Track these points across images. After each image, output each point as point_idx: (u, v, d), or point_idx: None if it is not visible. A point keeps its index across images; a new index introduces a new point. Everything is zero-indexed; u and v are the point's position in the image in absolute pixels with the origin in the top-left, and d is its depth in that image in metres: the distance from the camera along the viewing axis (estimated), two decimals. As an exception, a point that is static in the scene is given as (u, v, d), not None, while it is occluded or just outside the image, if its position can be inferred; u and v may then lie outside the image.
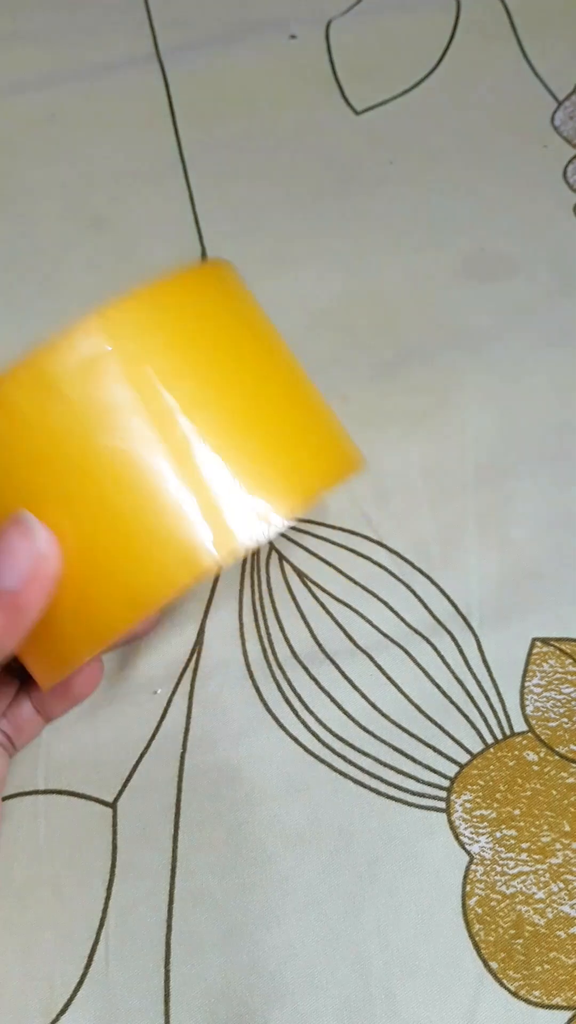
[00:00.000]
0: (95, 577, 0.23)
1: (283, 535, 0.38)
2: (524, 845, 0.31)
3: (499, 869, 0.31)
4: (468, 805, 0.32)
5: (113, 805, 0.33)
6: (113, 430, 0.22)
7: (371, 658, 0.35)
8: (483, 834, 0.32)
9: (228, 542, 0.23)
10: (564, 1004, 0.29)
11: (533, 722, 0.33)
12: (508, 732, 0.33)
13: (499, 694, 0.34)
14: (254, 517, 0.23)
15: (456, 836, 0.32)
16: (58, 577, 0.23)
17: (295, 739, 0.33)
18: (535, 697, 0.34)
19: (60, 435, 0.22)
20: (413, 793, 0.32)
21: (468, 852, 0.31)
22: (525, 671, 0.34)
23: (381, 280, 0.45)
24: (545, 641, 0.35)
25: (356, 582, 0.36)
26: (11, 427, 0.22)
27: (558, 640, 0.35)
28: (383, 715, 0.34)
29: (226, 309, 0.24)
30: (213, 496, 0.23)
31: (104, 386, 0.22)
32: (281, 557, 0.37)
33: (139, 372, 0.22)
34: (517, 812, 0.32)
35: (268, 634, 0.35)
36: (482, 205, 0.47)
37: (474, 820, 0.32)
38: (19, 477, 0.23)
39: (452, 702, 0.34)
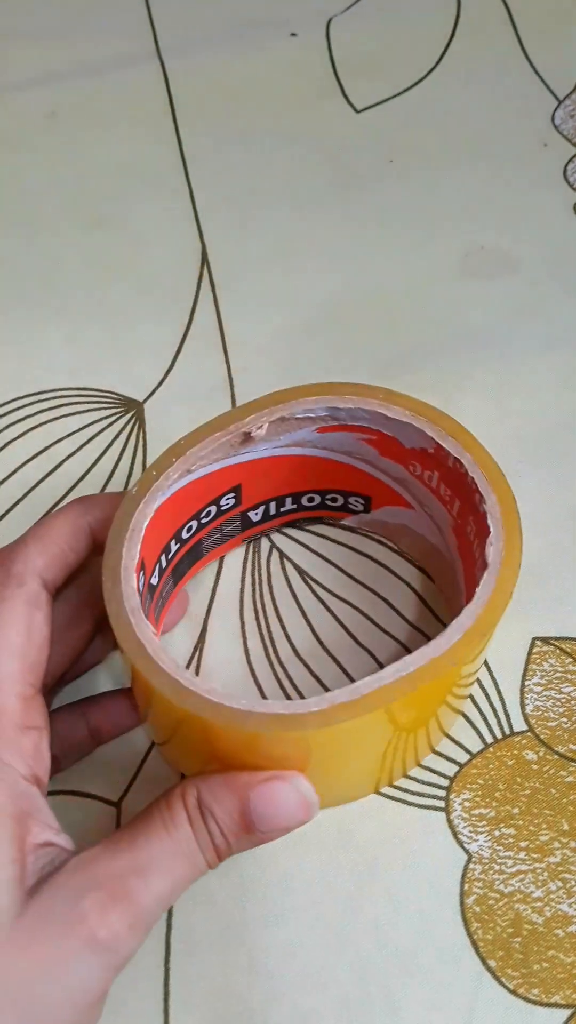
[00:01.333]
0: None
1: (284, 534, 0.38)
2: (523, 844, 0.31)
3: (497, 868, 0.31)
4: (467, 804, 0.32)
5: (118, 804, 0.33)
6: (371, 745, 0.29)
7: (372, 655, 0.35)
8: (482, 833, 0.32)
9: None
10: (563, 1002, 0.29)
11: (533, 721, 0.33)
12: (508, 731, 0.33)
13: (499, 693, 0.34)
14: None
15: (455, 835, 0.32)
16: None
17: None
18: (535, 696, 0.34)
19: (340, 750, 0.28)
20: (412, 792, 0.32)
21: (467, 851, 0.31)
22: (525, 670, 0.34)
23: (381, 278, 0.45)
24: (545, 640, 0.35)
25: (356, 580, 0.36)
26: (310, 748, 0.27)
27: (558, 639, 0.35)
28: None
29: None
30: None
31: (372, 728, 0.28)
32: (282, 555, 0.37)
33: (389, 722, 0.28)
34: (516, 811, 0.32)
35: (269, 631, 0.36)
36: (482, 203, 0.47)
37: (473, 819, 0.32)
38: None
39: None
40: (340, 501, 0.36)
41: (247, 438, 0.32)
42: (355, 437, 0.33)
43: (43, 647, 0.27)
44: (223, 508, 0.34)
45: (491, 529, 0.29)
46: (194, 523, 0.33)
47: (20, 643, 0.26)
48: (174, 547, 0.33)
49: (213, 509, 0.34)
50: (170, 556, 0.33)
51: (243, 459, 0.33)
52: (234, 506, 0.35)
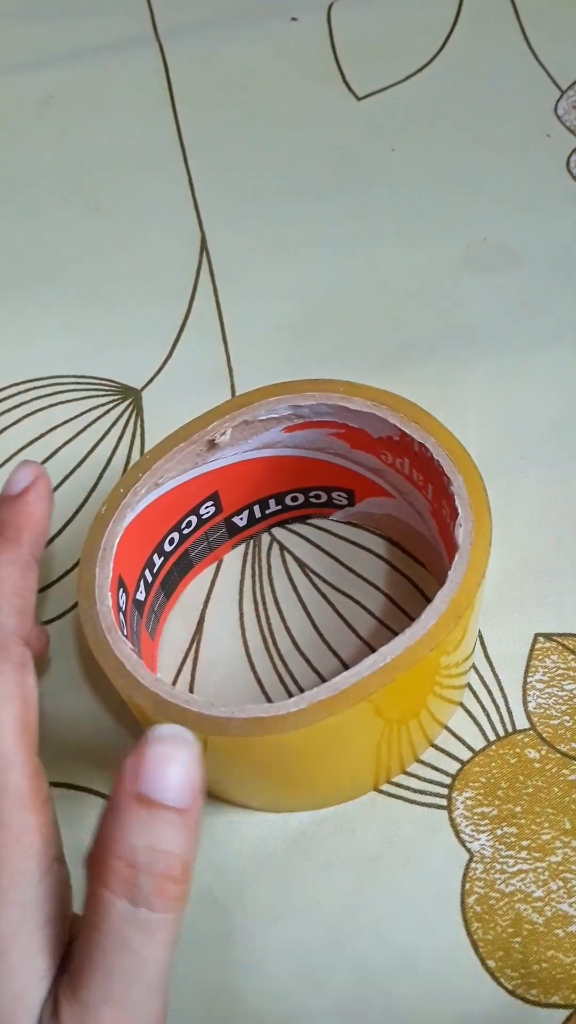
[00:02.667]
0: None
1: (285, 527, 0.37)
2: (524, 843, 0.31)
3: (499, 867, 0.31)
4: (469, 802, 0.32)
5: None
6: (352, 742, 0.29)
7: (373, 650, 0.34)
8: (484, 832, 0.31)
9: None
10: (561, 1002, 0.29)
11: (535, 719, 0.33)
12: (510, 729, 0.33)
13: (502, 689, 0.34)
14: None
15: (457, 834, 0.31)
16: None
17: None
18: (537, 693, 0.33)
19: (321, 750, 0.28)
20: (415, 791, 0.32)
21: (468, 850, 0.31)
22: (527, 667, 0.34)
23: (382, 269, 0.44)
24: (548, 636, 0.35)
25: (357, 574, 0.36)
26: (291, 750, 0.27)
27: (560, 635, 0.35)
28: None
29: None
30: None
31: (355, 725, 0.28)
32: (282, 547, 0.37)
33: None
34: (518, 809, 0.32)
35: (269, 624, 0.35)
36: (484, 194, 0.46)
37: (475, 818, 0.31)
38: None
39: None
40: (324, 497, 0.36)
41: (212, 445, 0.31)
42: (323, 433, 0.33)
43: (36, 708, 0.25)
44: (204, 517, 0.34)
45: (459, 510, 0.29)
46: (176, 535, 0.33)
47: (20, 715, 0.24)
48: (158, 560, 0.33)
49: (194, 519, 0.34)
50: (155, 570, 0.33)
51: (214, 466, 0.33)
52: (215, 513, 0.34)
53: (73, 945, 0.22)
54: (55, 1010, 0.22)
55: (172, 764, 0.22)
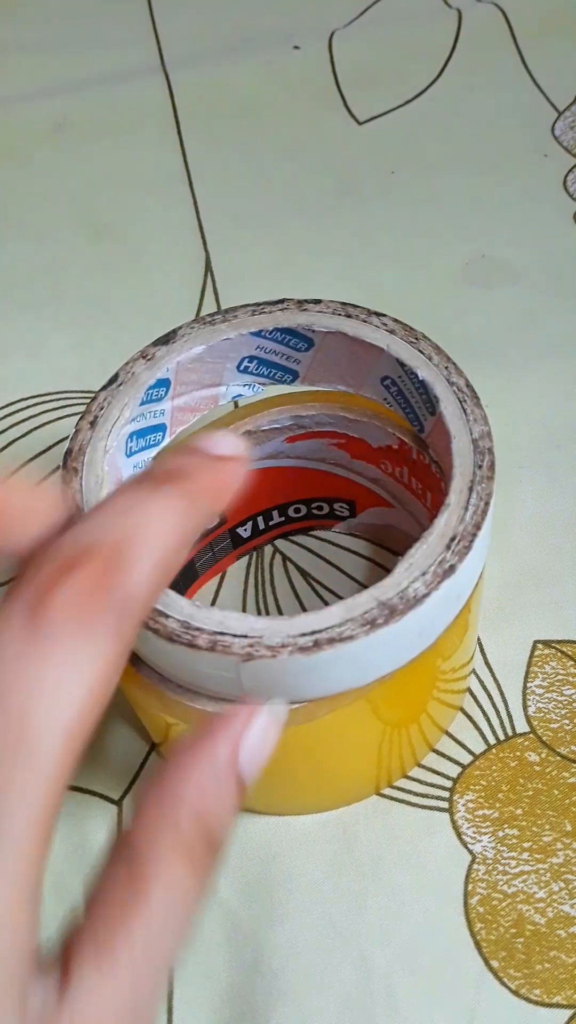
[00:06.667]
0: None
1: (288, 539, 0.38)
2: (526, 844, 0.31)
3: (501, 868, 0.31)
4: (471, 805, 0.32)
5: (119, 803, 0.33)
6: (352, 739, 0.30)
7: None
8: (485, 834, 0.32)
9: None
10: (564, 1003, 0.29)
11: (535, 723, 0.33)
12: (511, 733, 0.33)
13: (502, 694, 0.34)
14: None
15: (459, 836, 0.32)
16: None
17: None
18: (537, 698, 0.34)
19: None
20: (416, 794, 0.32)
21: (470, 852, 0.31)
22: (527, 672, 0.34)
23: (383, 286, 0.45)
24: (547, 643, 0.35)
25: (359, 582, 0.37)
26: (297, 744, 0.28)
27: (559, 642, 0.35)
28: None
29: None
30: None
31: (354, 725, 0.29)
32: (285, 558, 0.37)
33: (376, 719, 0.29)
34: (519, 812, 0.32)
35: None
36: (483, 213, 0.47)
37: (476, 820, 0.32)
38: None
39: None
40: (326, 509, 0.37)
41: None
42: (325, 443, 0.34)
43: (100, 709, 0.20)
44: (208, 527, 0.35)
45: None
46: None
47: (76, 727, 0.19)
48: None
49: None
50: None
51: None
52: (220, 524, 0.35)
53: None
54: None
55: (266, 745, 0.20)
